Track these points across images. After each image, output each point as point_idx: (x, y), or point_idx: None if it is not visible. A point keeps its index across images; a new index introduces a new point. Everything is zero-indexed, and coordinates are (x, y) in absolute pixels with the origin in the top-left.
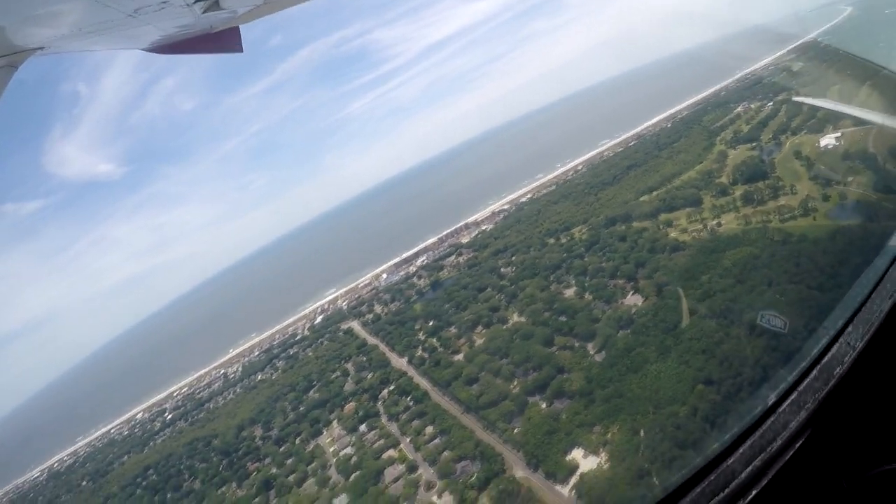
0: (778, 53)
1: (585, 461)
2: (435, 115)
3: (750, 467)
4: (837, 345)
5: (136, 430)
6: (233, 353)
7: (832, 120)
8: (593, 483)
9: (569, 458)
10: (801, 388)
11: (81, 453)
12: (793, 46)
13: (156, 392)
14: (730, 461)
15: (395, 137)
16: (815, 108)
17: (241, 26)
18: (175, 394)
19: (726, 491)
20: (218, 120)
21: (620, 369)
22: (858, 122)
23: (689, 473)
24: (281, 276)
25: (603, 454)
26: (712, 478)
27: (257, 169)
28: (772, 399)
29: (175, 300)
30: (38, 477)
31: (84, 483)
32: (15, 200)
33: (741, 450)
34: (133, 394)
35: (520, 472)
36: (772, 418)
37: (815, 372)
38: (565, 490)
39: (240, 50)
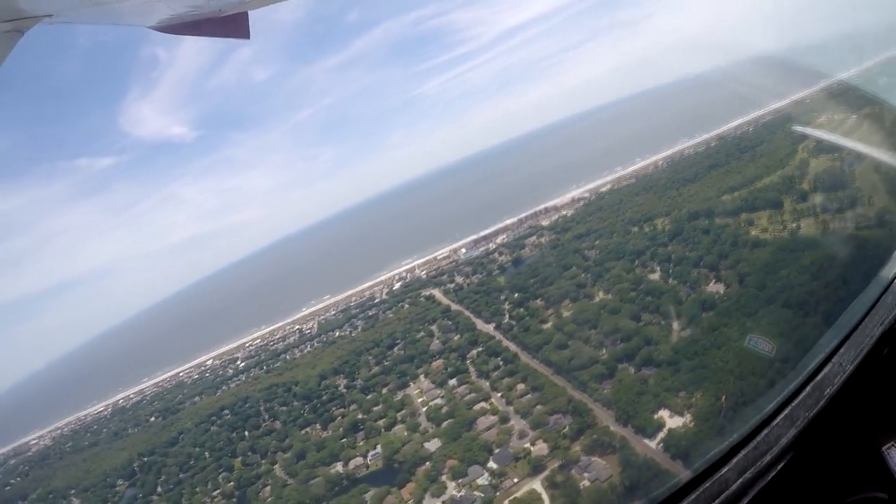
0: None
1: (672, 420)
2: (507, 101)
3: (741, 479)
4: (830, 365)
5: (206, 375)
6: (306, 311)
7: None
8: (680, 438)
9: (656, 416)
10: (793, 403)
11: (148, 393)
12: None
13: (224, 343)
14: (724, 470)
15: (465, 120)
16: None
17: (250, 12)
18: (247, 345)
19: (718, 500)
20: (291, 91)
21: (705, 345)
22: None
23: (686, 479)
24: (349, 245)
25: (688, 415)
26: (707, 485)
27: (326, 142)
28: (766, 412)
29: (239, 261)
30: (101, 411)
31: (153, 419)
32: (89, 156)
33: (735, 460)
34: (200, 343)
35: (611, 426)
36: (765, 431)
37: (807, 389)
38: (653, 443)
39: (246, 36)
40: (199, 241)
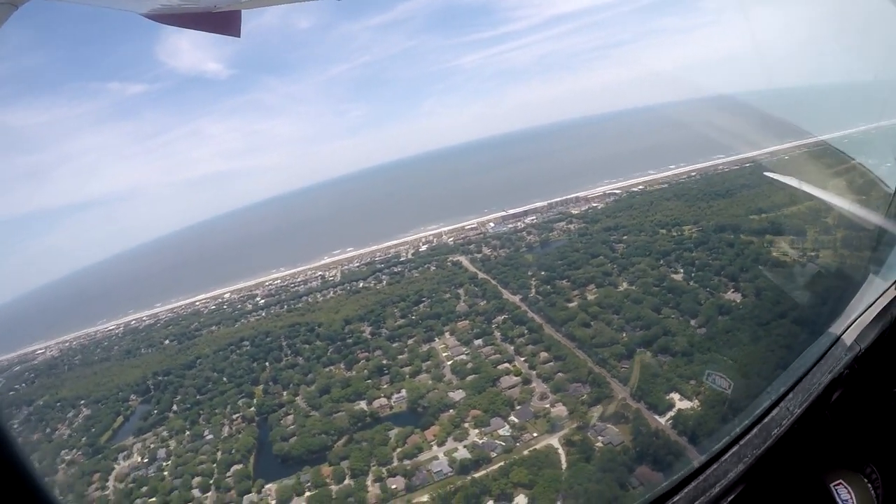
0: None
1: (682, 403)
2: (545, 87)
3: None
4: (778, 408)
5: (224, 307)
6: (328, 259)
7: None
8: (688, 419)
9: (668, 397)
10: (742, 441)
11: (162, 317)
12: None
13: (242, 279)
14: (675, 499)
15: (500, 99)
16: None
17: (244, 12)
18: (266, 283)
19: None
20: (329, 44)
21: (718, 343)
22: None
23: None
24: (373, 203)
25: (696, 401)
26: None
27: (357, 99)
28: (716, 448)
29: (258, 203)
30: (112, 329)
31: (167, 342)
32: (121, 80)
33: (685, 490)
34: (217, 276)
35: (626, 400)
36: (714, 465)
37: (756, 429)
38: (663, 420)
39: (237, 34)
40: (220, 179)
